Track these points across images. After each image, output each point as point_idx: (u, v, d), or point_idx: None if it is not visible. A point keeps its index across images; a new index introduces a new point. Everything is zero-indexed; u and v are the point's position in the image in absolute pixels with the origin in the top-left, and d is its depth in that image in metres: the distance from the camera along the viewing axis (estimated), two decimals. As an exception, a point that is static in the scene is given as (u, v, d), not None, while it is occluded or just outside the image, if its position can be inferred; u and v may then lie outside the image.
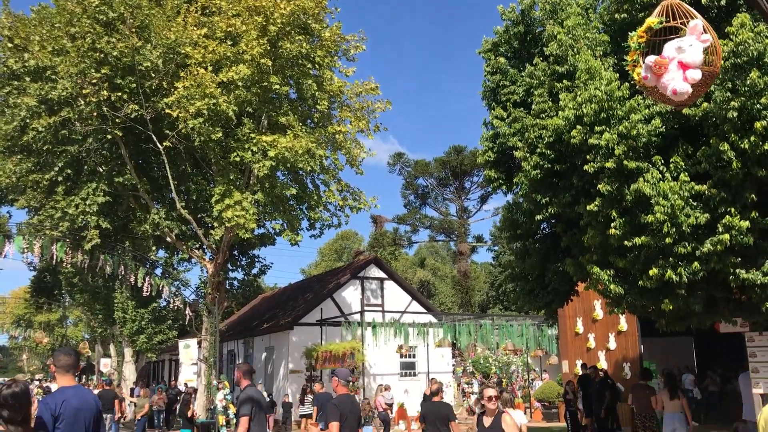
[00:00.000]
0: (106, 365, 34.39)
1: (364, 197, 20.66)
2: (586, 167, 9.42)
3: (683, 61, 4.05)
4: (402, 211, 53.73)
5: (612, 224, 9.32)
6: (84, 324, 50.60)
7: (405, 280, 32.24)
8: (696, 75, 4.06)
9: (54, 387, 5.64)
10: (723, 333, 16.66)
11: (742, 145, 7.87)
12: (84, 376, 32.21)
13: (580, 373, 21.42)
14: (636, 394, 11.27)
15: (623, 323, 20.54)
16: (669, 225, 8.45)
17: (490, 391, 7.46)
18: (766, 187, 8.24)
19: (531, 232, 12.68)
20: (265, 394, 18.60)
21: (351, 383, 16.43)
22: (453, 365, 28.92)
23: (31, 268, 33.33)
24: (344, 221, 21.51)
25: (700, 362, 19.84)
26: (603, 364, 19.97)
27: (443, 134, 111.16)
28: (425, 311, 28.03)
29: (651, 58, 4.21)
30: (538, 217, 11.08)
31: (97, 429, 4.83)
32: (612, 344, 20.89)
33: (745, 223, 8.03)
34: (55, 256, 18.76)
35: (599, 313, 21.45)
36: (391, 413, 18.61)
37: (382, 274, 28.15)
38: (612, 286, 9.77)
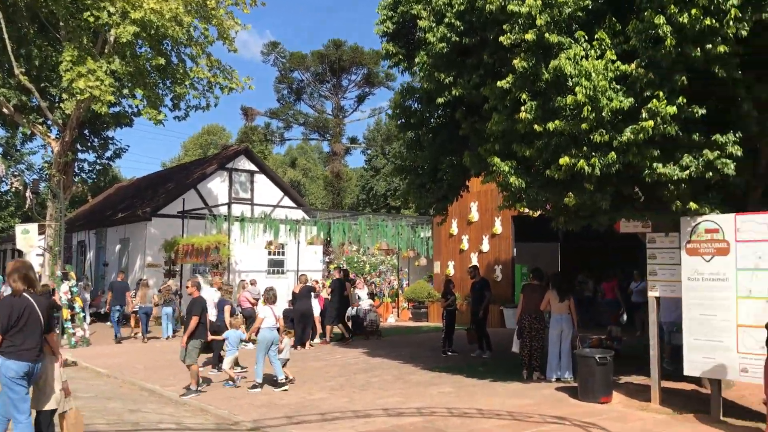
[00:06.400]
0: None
1: (237, 76, 18.65)
2: (501, 38, 8.28)
3: None
4: (275, 106, 50.99)
5: (522, 107, 8.34)
6: None
7: (277, 174, 30.63)
8: None
9: None
10: (589, 239, 16.82)
11: (681, 19, 6.98)
12: None
13: (452, 274, 21.33)
14: (527, 293, 10.84)
15: (498, 226, 20.40)
16: (589, 109, 7.57)
17: None
18: (697, 73, 7.48)
19: (425, 120, 11.61)
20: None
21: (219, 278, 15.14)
22: (325, 263, 28.16)
23: None
24: (213, 103, 19.45)
25: (564, 268, 20.12)
26: (476, 266, 19.80)
27: (323, 29, 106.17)
28: (297, 207, 26.80)
29: None
30: (439, 99, 9.92)
31: None
32: (485, 247, 20.77)
33: (672, 109, 7.29)
34: None
35: (474, 215, 21.19)
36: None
37: (253, 167, 26.44)
38: (512, 179, 8.90)
